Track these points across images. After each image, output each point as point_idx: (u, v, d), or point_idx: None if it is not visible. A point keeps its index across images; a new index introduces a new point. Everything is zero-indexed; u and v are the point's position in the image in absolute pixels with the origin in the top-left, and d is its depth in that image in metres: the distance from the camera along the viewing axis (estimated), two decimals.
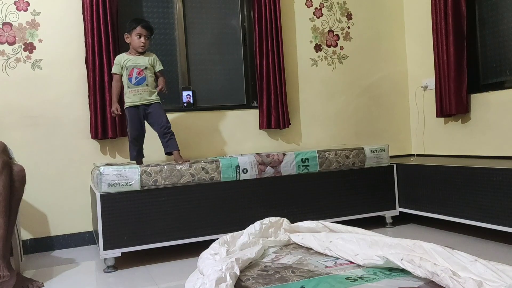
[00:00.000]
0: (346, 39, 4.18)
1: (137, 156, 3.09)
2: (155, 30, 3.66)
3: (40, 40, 3.29)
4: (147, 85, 3.02)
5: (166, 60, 3.71)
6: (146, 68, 3.04)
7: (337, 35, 4.15)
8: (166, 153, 3.09)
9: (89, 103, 3.31)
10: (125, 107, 3.05)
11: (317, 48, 4.09)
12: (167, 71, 3.71)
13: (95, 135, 3.30)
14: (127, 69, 3.01)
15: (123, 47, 3.48)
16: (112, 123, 3.30)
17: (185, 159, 3.01)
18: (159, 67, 3.10)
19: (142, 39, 3.02)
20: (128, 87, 3.01)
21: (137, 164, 2.98)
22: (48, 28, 3.30)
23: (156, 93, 3.06)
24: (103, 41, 3.28)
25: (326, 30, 4.11)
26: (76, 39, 3.36)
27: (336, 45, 4.15)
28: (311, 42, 4.06)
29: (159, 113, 3.04)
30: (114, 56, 3.30)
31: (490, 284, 1.55)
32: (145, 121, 3.09)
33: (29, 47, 3.26)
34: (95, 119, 3.28)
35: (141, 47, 3.02)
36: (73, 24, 3.35)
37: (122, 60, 3.04)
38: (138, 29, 3.00)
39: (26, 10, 3.25)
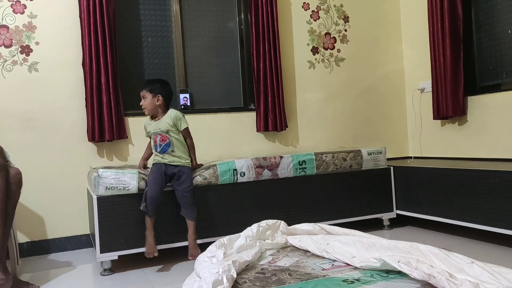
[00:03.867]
0: (343, 41, 4.19)
1: (154, 212, 2.71)
2: (152, 32, 3.68)
3: (37, 43, 3.28)
4: (172, 151, 2.77)
5: (163, 63, 3.72)
6: (168, 131, 2.78)
7: (334, 37, 4.16)
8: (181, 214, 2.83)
9: (86, 106, 3.31)
10: (152, 163, 2.83)
11: (314, 50, 4.09)
12: (164, 74, 3.72)
13: (92, 137, 3.29)
14: (151, 135, 2.84)
15: (120, 50, 3.49)
16: (109, 125, 3.29)
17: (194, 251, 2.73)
18: (183, 125, 2.82)
19: (142, 101, 2.81)
20: (155, 155, 2.82)
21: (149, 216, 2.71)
22: (45, 30, 3.30)
23: (186, 156, 2.83)
24: (100, 43, 3.27)
25: (323, 33, 4.12)
26: (73, 41, 3.35)
27: (333, 48, 4.16)
28: (308, 44, 4.07)
29: (184, 179, 2.78)
30: (112, 58, 3.30)
31: (486, 286, 1.55)
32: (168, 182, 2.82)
33: (26, 50, 3.26)
34: (92, 122, 3.28)
35: (144, 110, 2.83)
36: (70, 26, 3.35)
37: (145, 126, 2.89)
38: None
39: (23, 12, 3.25)
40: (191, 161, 2.87)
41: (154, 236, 2.70)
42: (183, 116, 2.85)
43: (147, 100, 2.79)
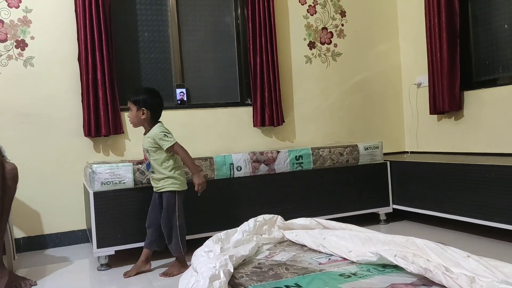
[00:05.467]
0: (340, 36, 4.18)
1: (149, 245, 2.60)
2: (148, 27, 3.66)
3: (32, 37, 3.26)
4: (152, 172, 2.56)
5: (159, 58, 3.70)
6: (148, 151, 2.54)
7: (330, 32, 4.15)
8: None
9: (82, 101, 3.30)
10: None
11: (311, 45, 4.09)
12: (161, 69, 3.71)
13: (88, 133, 3.28)
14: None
15: (116, 44, 3.47)
16: (106, 120, 3.28)
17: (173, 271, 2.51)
18: (165, 144, 2.46)
19: (128, 112, 2.62)
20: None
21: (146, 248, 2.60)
22: (40, 25, 3.28)
23: (166, 178, 2.51)
24: (95, 38, 3.26)
25: (319, 28, 4.11)
26: (68, 36, 3.34)
27: (329, 43, 4.15)
28: (305, 39, 4.06)
29: (165, 207, 2.52)
30: (107, 53, 3.29)
31: (482, 279, 1.56)
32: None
33: (21, 44, 3.23)
34: (88, 117, 3.26)
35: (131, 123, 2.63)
36: (65, 21, 3.33)
37: None
38: None
39: (17, 7, 3.23)
40: (192, 175, 2.55)
41: (142, 261, 2.58)
42: (166, 133, 2.49)
43: (132, 112, 2.53)
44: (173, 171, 2.53)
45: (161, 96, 2.63)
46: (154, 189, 2.59)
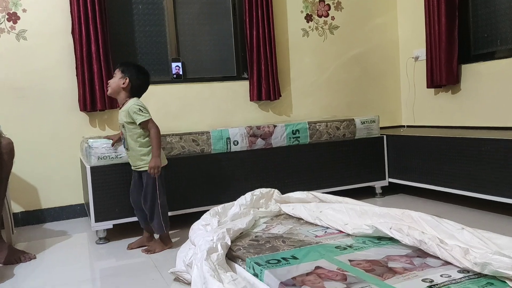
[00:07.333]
0: (338, 9, 4.12)
1: (143, 223, 2.58)
2: None
3: (24, 10, 3.20)
4: (127, 149, 2.49)
5: (154, 31, 3.64)
6: (123, 126, 2.45)
7: (328, 5, 4.09)
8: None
9: (76, 75, 3.26)
10: None
11: (308, 18, 4.03)
12: (156, 42, 3.66)
13: (83, 107, 3.25)
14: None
15: (110, 17, 3.41)
16: (101, 95, 3.25)
17: (157, 248, 2.48)
18: (138, 118, 2.36)
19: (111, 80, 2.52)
20: None
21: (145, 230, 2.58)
22: None
23: (143, 156, 2.43)
24: (89, 10, 3.19)
25: (317, 0, 4.05)
26: (61, 8, 3.27)
27: (327, 15, 4.09)
28: (302, 12, 4.00)
29: (145, 186, 2.45)
30: (101, 26, 3.24)
31: (476, 251, 1.58)
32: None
33: (13, 17, 3.17)
34: (83, 91, 3.23)
35: (108, 87, 2.52)
36: None
37: None
38: None
39: None
40: (152, 157, 2.40)
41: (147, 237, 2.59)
42: (141, 107, 2.38)
43: (115, 78, 2.46)
44: (149, 147, 2.43)
45: (149, 78, 2.54)
46: (132, 168, 2.52)
